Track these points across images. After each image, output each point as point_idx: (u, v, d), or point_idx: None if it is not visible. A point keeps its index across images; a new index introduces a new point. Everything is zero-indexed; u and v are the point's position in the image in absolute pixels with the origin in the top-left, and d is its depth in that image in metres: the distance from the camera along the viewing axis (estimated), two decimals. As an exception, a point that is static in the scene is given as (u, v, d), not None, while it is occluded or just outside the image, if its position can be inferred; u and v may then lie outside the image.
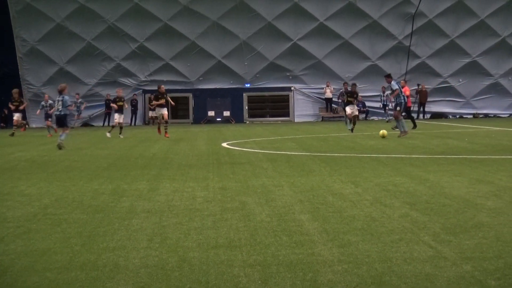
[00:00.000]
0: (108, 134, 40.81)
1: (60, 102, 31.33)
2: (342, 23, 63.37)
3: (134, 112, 64.13)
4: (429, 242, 10.77)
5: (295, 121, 64.05)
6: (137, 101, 64.12)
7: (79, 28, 61.67)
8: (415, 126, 42.60)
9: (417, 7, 63.35)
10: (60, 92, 31.58)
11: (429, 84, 65.60)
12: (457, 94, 66.43)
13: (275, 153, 27.89)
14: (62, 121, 31.99)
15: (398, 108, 35.92)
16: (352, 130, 40.86)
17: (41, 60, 62.25)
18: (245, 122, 62.80)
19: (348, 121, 42.07)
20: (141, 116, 64.73)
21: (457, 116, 65.88)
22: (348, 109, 41.96)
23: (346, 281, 8.74)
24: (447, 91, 66.29)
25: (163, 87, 38.78)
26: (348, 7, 62.89)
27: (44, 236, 11.84)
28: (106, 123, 63.18)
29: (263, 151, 28.94)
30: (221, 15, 62.15)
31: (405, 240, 10.95)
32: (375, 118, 64.94)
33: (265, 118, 64.06)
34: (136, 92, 64.15)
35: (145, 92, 64.14)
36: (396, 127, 37.09)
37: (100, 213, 14.07)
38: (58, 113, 31.45)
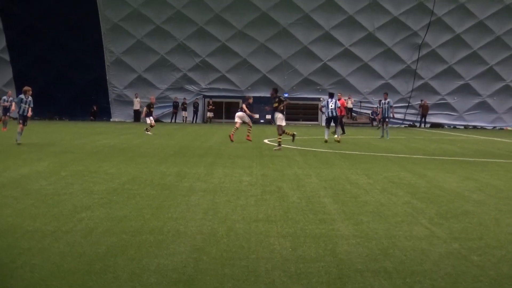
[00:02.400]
0: (148, 133, 38.24)
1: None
2: (363, 48, 63.18)
3: (195, 112, 64.31)
4: (425, 224, 10.73)
5: (322, 124, 63.74)
6: (198, 103, 64.28)
7: (155, 44, 61.85)
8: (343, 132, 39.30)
9: (423, 39, 62.99)
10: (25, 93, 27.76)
11: (430, 100, 65.26)
12: (452, 109, 66.06)
13: (305, 149, 27.82)
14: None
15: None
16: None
17: (124, 68, 62.52)
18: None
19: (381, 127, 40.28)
20: (201, 116, 64.80)
21: (452, 127, 65.32)
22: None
23: (359, 252, 8.74)
24: (444, 106, 65.95)
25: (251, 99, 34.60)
26: (368, 36, 62.67)
27: (122, 206, 11.92)
28: (173, 120, 63.40)
29: (295, 147, 28.88)
30: (267, 39, 62.06)
31: (407, 222, 10.93)
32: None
33: (298, 122, 63.77)
34: (197, 97, 64.27)
35: (205, 97, 64.24)
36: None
37: (166, 190, 14.13)
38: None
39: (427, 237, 9.78)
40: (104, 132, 39.45)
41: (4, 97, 43.34)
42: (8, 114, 41.92)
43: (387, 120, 39.28)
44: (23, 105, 27.50)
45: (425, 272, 7.82)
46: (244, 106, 32.09)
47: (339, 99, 36.43)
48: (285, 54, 62.77)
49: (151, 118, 39.17)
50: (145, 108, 40.51)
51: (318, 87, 64.38)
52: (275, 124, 29.13)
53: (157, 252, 8.53)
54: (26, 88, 27.88)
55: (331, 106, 33.29)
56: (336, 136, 33.95)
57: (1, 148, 25.11)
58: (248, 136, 32.14)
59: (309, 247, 8.97)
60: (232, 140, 30.63)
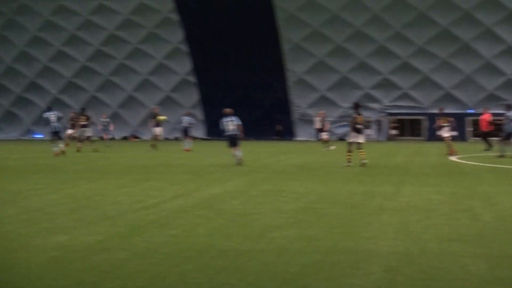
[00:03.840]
0: (331, 147, 38.55)
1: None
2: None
3: (379, 130, 63.95)
4: None
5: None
6: (381, 121, 63.86)
7: (335, 63, 62.09)
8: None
9: None
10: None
11: None
12: None
13: (494, 166, 26.97)
14: None
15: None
16: None
17: (306, 87, 63.17)
18: (467, 140, 60.80)
19: None
20: (384, 134, 64.20)
21: None
22: None
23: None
24: None
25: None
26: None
27: (312, 225, 11.96)
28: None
29: (483, 164, 28.07)
30: (449, 54, 60.71)
31: None
32: None
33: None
34: (380, 115, 63.85)
35: (388, 114, 63.72)
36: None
37: (355, 209, 14.07)
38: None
39: None
40: (289, 151, 39.93)
41: (186, 118, 43.13)
42: (189, 134, 42.22)
43: None
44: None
45: None
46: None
47: (483, 114, 34.78)
48: (468, 69, 61.15)
49: (325, 133, 40.42)
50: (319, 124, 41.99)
51: (503, 102, 62.30)
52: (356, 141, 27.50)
53: (351, 272, 8.48)
54: (227, 110, 28.64)
55: None
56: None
57: (191, 169, 25.92)
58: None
59: (507, 268, 8.65)
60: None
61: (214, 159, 29.19)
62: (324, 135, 42.39)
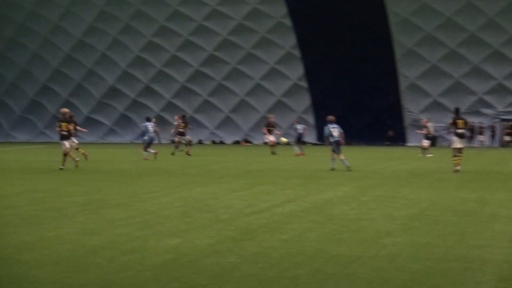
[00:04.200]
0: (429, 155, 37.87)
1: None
2: None
3: (492, 136, 62.49)
4: None
5: None
6: (495, 127, 62.38)
7: (448, 68, 60.91)
8: None
9: None
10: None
11: None
12: None
13: None
14: None
15: None
16: None
17: (419, 93, 62.31)
18: None
19: None
20: (498, 140, 62.63)
21: None
22: None
23: None
24: None
25: None
26: None
27: (424, 232, 11.85)
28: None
29: None
30: None
31: None
32: None
33: None
34: (494, 120, 62.35)
35: (502, 120, 62.17)
36: None
37: (468, 216, 13.86)
38: None
39: None
40: (401, 157, 39.52)
41: (299, 126, 43.88)
42: (302, 140, 42.54)
43: None
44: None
45: None
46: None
47: None
48: None
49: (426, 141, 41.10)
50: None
51: None
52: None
53: (462, 280, 8.38)
54: (331, 117, 28.94)
55: None
56: None
57: (302, 173, 26.01)
58: None
59: None
60: None
61: (325, 164, 29.19)
62: (425, 142, 41.78)
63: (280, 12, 62.29)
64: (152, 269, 8.97)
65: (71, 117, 31.90)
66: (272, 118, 46.42)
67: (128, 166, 30.79)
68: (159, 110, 67.74)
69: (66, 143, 28.51)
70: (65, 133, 28.61)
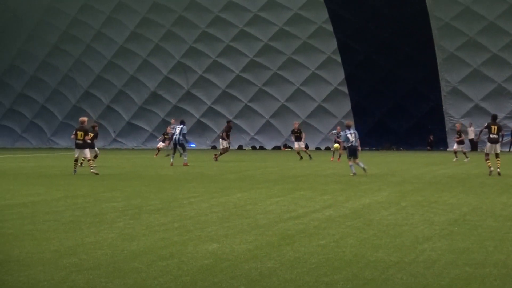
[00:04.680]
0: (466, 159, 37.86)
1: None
2: None
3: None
4: None
5: None
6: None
7: (491, 72, 60.35)
8: None
9: None
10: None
11: None
12: None
13: None
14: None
15: None
16: None
17: (460, 97, 61.77)
18: None
19: None
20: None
21: None
22: None
23: None
24: None
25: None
26: None
27: (463, 237, 11.75)
28: (511, 149, 61.26)
29: None
30: None
31: None
32: None
33: None
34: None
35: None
36: None
37: (509, 221, 13.71)
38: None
39: None
40: (442, 162, 39.21)
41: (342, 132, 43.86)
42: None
43: None
44: None
45: None
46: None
47: None
48: None
49: (461, 146, 41.48)
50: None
51: None
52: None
53: (501, 286, 8.30)
54: (349, 122, 29.88)
55: None
56: None
57: (341, 179, 25.94)
58: None
59: None
60: None
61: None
62: (460, 147, 41.50)
63: (321, 17, 62.23)
64: (190, 274, 9.00)
65: (93, 127, 32.27)
66: (297, 124, 46.09)
67: (167, 171, 30.95)
68: (200, 116, 68.05)
69: (83, 151, 29.08)
70: (79, 141, 29.05)
